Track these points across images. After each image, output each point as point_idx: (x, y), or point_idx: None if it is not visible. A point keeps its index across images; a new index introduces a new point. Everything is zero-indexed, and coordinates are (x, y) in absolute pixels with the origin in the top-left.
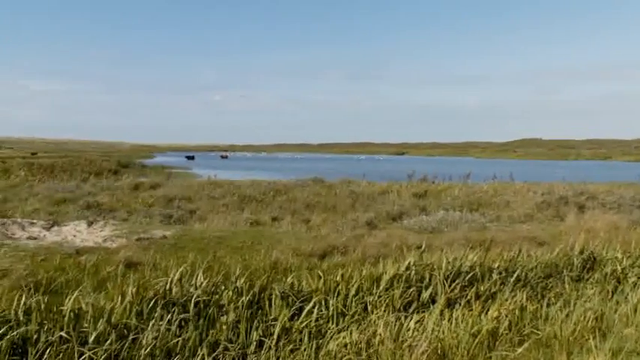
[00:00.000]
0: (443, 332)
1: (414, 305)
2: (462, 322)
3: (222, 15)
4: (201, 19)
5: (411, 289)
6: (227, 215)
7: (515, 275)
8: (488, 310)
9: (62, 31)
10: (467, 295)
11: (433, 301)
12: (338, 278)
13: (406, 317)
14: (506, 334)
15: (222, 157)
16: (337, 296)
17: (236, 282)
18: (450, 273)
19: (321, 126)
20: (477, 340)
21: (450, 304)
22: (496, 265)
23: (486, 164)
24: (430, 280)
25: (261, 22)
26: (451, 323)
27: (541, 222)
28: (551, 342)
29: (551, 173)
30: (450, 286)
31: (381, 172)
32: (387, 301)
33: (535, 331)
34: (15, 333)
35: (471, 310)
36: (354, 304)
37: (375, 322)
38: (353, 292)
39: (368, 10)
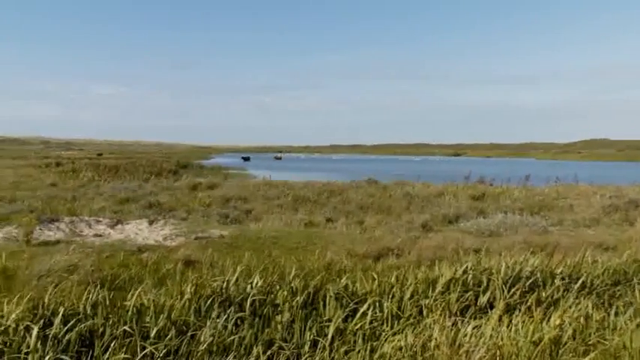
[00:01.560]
0: (501, 339)
1: (472, 310)
2: (522, 329)
3: (274, 18)
4: (254, 23)
5: (468, 294)
6: (282, 215)
7: (579, 282)
8: (550, 317)
9: (125, 37)
10: (527, 301)
11: (491, 307)
12: (393, 280)
13: (463, 322)
14: (570, 343)
15: (276, 158)
16: (392, 298)
17: (291, 282)
18: (510, 278)
19: (374, 127)
20: (538, 349)
21: (508, 309)
22: (559, 271)
23: (548, 166)
24: (488, 284)
25: (313, 24)
26: (510, 330)
27: (608, 226)
28: (620, 353)
29: (620, 175)
30: (509, 291)
31: (437, 174)
32: (443, 305)
33: (602, 341)
34: (83, 326)
35: (532, 316)
36: (409, 306)
37: (430, 325)
38: (408, 294)
39: (422, 8)
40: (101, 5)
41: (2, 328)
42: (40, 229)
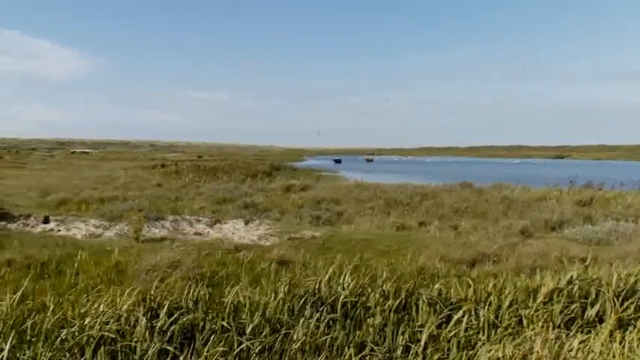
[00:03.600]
0: (613, 356)
1: (577, 323)
2: (637, 346)
3: (363, 19)
4: (343, 25)
5: (574, 306)
6: (373, 218)
7: None
8: None
9: (222, 45)
10: None
11: (600, 321)
12: (489, 288)
13: (568, 335)
14: None
15: (368, 160)
16: (489, 307)
17: (382, 285)
18: (622, 290)
19: (469, 128)
20: None
21: (621, 325)
22: None
23: None
24: (597, 296)
25: (403, 24)
26: (623, 347)
27: None
28: None
29: None
30: (621, 304)
31: (538, 177)
32: (545, 316)
33: None
34: (185, 319)
35: None
36: (507, 316)
37: (531, 337)
38: (506, 303)
39: (516, 3)
40: (199, 17)
41: (116, 317)
42: (148, 227)
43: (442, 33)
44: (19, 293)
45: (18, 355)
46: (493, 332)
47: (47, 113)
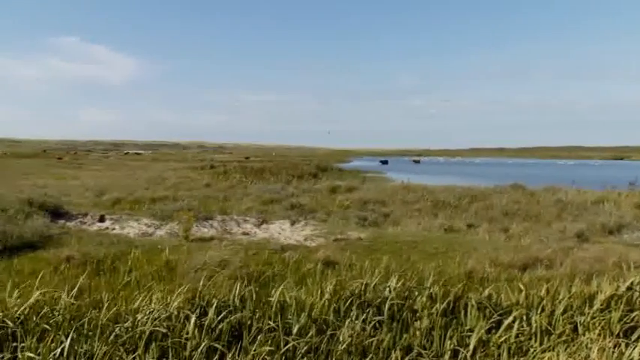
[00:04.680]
0: None
1: (638, 332)
2: None
3: (422, 19)
4: (401, 25)
5: (634, 314)
6: (420, 220)
7: None
8: None
9: (274, 48)
10: None
11: None
12: (542, 293)
13: (627, 345)
14: None
15: (415, 161)
16: (541, 312)
17: (430, 288)
18: None
19: (522, 128)
20: None
21: None
22: None
23: None
24: None
25: (465, 23)
26: None
27: None
28: None
29: None
30: None
31: (594, 179)
32: (603, 323)
33: None
34: (233, 317)
35: None
36: (561, 322)
37: (587, 345)
38: (560, 309)
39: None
40: (251, 21)
41: (167, 314)
42: (197, 226)
43: (507, 29)
44: (76, 289)
45: (76, 348)
46: (546, 339)
47: (103, 115)
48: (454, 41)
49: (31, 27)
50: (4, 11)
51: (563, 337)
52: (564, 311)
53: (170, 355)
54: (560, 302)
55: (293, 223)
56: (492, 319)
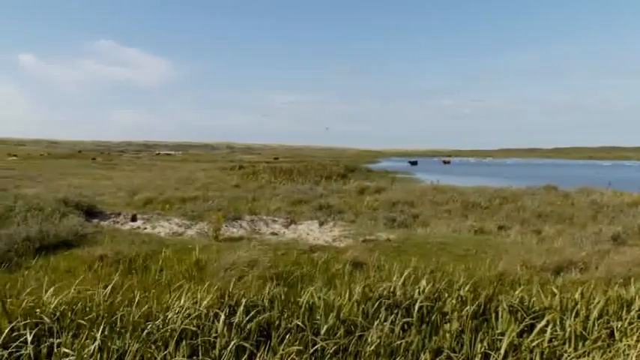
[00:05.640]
0: None
1: None
2: None
3: (452, 18)
4: (430, 25)
5: None
6: (450, 221)
7: None
8: None
9: (304, 50)
10: None
11: None
12: (576, 297)
13: None
14: None
15: (445, 162)
16: (575, 317)
17: (460, 290)
18: None
19: (556, 129)
20: None
21: None
22: None
23: None
24: None
25: (496, 22)
26: None
27: None
28: None
29: None
30: None
31: (632, 181)
32: None
33: None
34: (261, 317)
35: None
36: (596, 327)
37: (624, 351)
38: (595, 314)
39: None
40: (281, 23)
41: (196, 313)
42: (226, 226)
43: (542, 28)
44: (109, 287)
45: (110, 344)
46: (580, 344)
47: (135, 117)
48: (485, 40)
49: (69, 31)
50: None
51: (599, 343)
52: (600, 316)
53: (200, 353)
54: (595, 307)
55: (321, 224)
56: (524, 323)
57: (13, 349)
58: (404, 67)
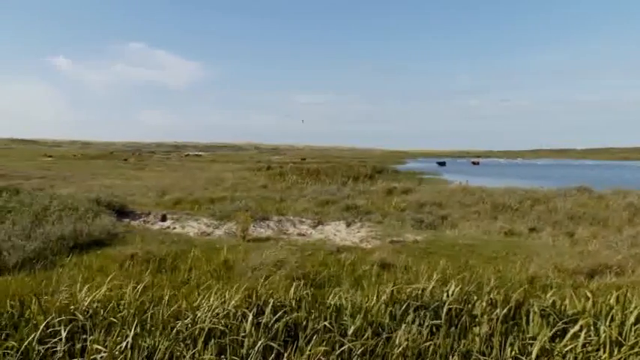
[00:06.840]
0: None
1: None
2: None
3: (478, 17)
4: (455, 24)
5: None
6: (479, 223)
7: None
8: None
9: (323, 48)
10: None
11: None
12: (612, 301)
13: None
14: None
15: (473, 163)
16: (611, 322)
17: (489, 293)
18: None
19: (587, 129)
20: None
21: None
22: None
23: None
24: None
25: (524, 21)
26: None
27: None
28: None
29: None
30: None
31: None
32: None
33: None
34: (289, 317)
35: None
36: (633, 333)
37: None
38: (632, 319)
39: None
40: (305, 24)
41: (224, 312)
42: (254, 227)
43: (570, 27)
44: (140, 286)
45: (140, 342)
46: (616, 350)
47: (165, 118)
48: (512, 39)
49: (101, 34)
50: (77, 20)
51: (636, 349)
52: (637, 321)
53: (228, 352)
54: (631, 312)
55: (348, 225)
56: (556, 327)
57: (50, 345)
58: (429, 66)
